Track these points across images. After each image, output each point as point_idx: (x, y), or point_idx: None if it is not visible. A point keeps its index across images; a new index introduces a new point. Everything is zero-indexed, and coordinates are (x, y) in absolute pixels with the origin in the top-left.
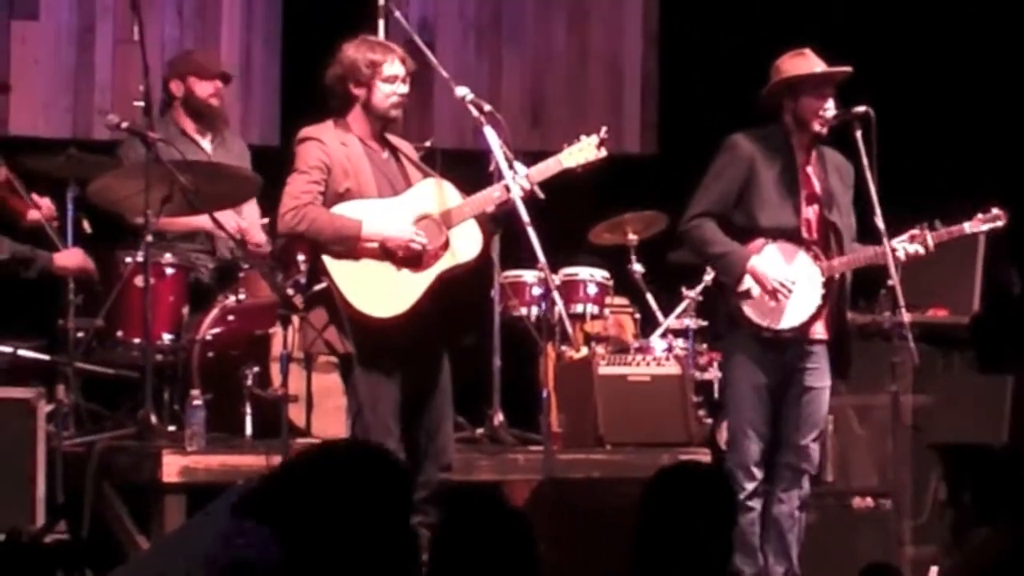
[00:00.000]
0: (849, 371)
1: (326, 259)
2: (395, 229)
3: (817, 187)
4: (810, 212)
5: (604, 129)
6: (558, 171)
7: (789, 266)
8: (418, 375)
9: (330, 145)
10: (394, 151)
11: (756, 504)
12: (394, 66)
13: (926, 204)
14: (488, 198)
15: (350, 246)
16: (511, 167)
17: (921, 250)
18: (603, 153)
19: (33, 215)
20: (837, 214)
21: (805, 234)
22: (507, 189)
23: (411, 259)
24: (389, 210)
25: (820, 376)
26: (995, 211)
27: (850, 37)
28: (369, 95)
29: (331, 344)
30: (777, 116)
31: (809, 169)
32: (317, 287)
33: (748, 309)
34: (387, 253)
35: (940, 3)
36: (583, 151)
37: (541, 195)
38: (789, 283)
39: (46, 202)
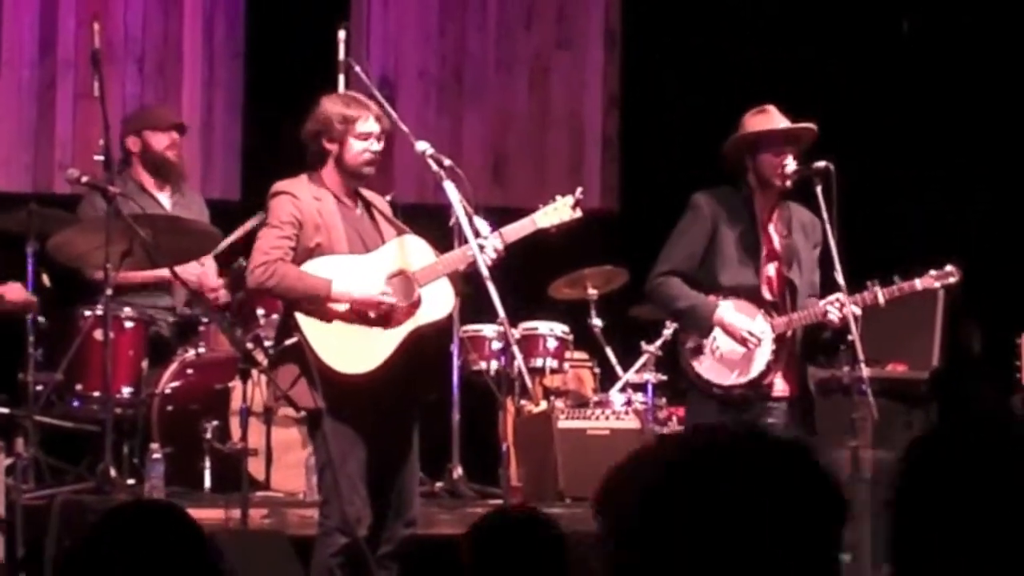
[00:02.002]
0: (814, 426)
1: (298, 315)
2: (363, 289)
3: (778, 245)
4: (771, 270)
5: (579, 190)
6: (532, 231)
7: (752, 320)
8: (386, 431)
9: (303, 200)
10: (368, 207)
11: None
12: (368, 123)
13: (890, 260)
14: (462, 257)
15: (319, 305)
16: (471, 222)
17: (859, 310)
18: (578, 214)
19: None
20: (797, 271)
21: (767, 293)
22: (481, 248)
23: (382, 317)
24: (361, 267)
25: (782, 432)
26: (949, 268)
27: (816, 94)
28: (342, 151)
29: (300, 399)
30: (741, 173)
31: (771, 227)
32: (288, 341)
33: (697, 366)
34: (357, 312)
35: (902, 63)
36: (558, 211)
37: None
38: (759, 331)
39: None
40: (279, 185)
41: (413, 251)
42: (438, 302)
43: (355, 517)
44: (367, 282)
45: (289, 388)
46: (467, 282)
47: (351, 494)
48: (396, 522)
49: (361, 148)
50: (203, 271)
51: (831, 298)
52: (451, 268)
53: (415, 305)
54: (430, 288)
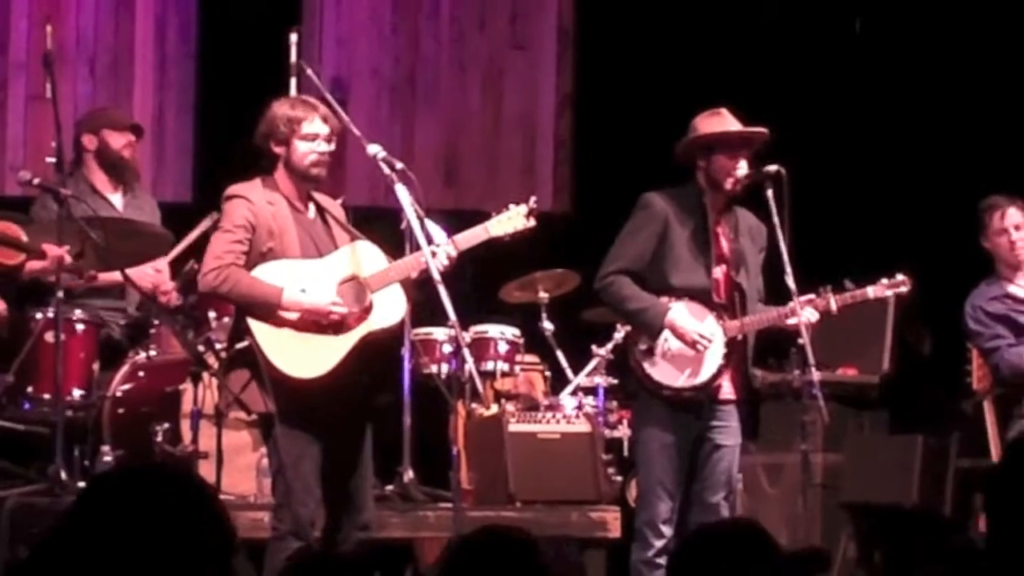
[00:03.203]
0: (758, 429)
1: (250, 320)
2: (313, 298)
3: (726, 248)
4: (719, 272)
5: (533, 199)
6: (485, 239)
7: (701, 323)
8: (339, 435)
9: (257, 204)
10: (321, 211)
11: (663, 561)
12: (314, 124)
13: (841, 265)
14: (414, 264)
15: (270, 312)
16: (422, 226)
17: (815, 317)
18: (531, 223)
19: None
20: (744, 275)
21: (715, 295)
22: (433, 255)
23: (333, 323)
24: (313, 272)
25: (730, 435)
26: (900, 277)
27: (768, 99)
28: (289, 153)
29: (252, 402)
30: (692, 174)
31: (720, 230)
32: (240, 345)
33: (648, 367)
34: (306, 320)
35: (854, 69)
36: (512, 220)
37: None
38: (708, 334)
39: None
40: (233, 188)
41: (366, 257)
42: (390, 308)
43: (308, 519)
44: (318, 288)
45: (241, 392)
46: (419, 288)
47: (305, 496)
48: (350, 525)
49: (307, 149)
50: (159, 274)
51: (803, 299)
52: (403, 274)
53: (367, 311)
54: (382, 294)
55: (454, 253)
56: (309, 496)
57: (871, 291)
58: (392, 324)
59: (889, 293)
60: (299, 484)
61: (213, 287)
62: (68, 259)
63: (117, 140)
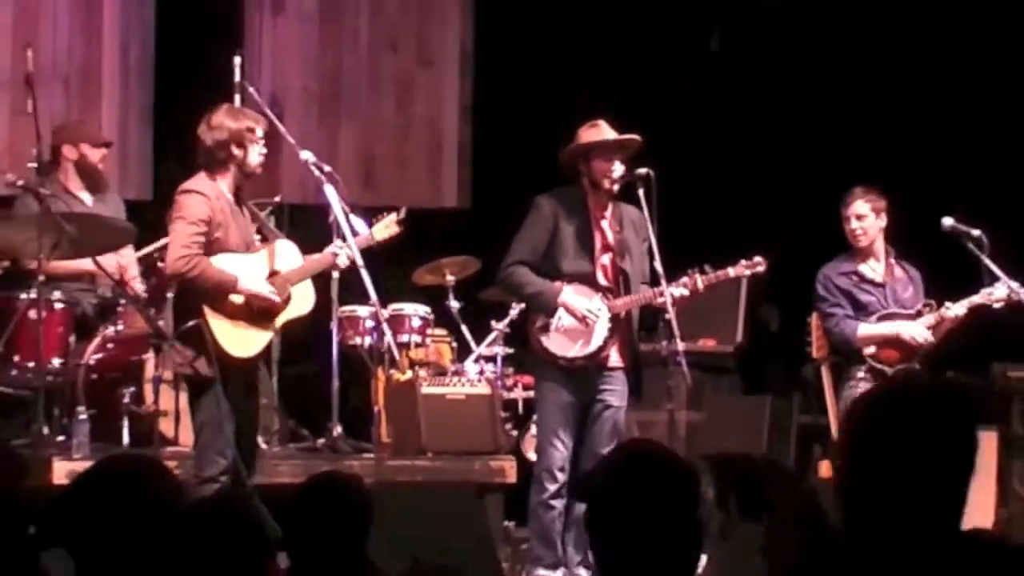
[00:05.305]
0: (641, 391)
1: (205, 306)
2: (260, 287)
3: (611, 238)
4: (605, 259)
5: (404, 209)
6: (372, 243)
7: (589, 301)
8: (246, 402)
9: (211, 198)
10: (247, 209)
11: (558, 504)
12: (260, 130)
13: (702, 251)
14: (324, 261)
15: (221, 296)
16: (348, 219)
17: (687, 292)
18: (400, 228)
19: None
20: (628, 261)
21: (602, 278)
22: (334, 255)
23: (265, 311)
24: (250, 265)
25: (618, 397)
26: (757, 259)
27: (640, 110)
28: (245, 155)
29: (197, 369)
30: (576, 177)
31: (604, 223)
32: (190, 323)
33: (545, 340)
34: (247, 305)
35: (713, 79)
36: (387, 228)
37: (360, 263)
38: (596, 310)
39: None
40: (190, 184)
41: (286, 254)
42: (304, 300)
43: (225, 469)
44: (257, 280)
45: (194, 360)
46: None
47: (224, 449)
48: (249, 475)
49: (260, 151)
50: (126, 263)
51: (682, 280)
52: (316, 270)
53: (287, 301)
54: (298, 287)
55: (354, 254)
56: (228, 449)
57: (732, 271)
58: (305, 313)
59: (748, 272)
60: (221, 440)
61: (182, 272)
62: None
63: (94, 154)
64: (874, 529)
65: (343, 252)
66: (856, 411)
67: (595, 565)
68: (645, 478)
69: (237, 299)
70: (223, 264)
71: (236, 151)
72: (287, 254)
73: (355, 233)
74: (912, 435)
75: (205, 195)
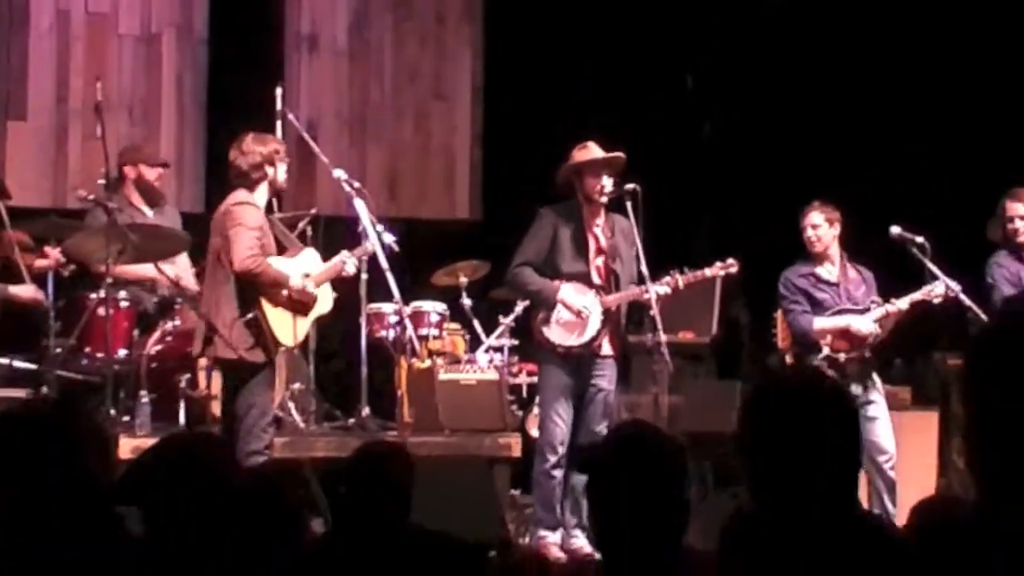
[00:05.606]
0: (629, 377)
1: (263, 300)
2: (307, 285)
3: (604, 243)
4: (599, 261)
5: (393, 240)
6: (370, 253)
7: (584, 297)
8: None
9: (261, 210)
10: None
11: (558, 473)
12: (283, 149)
13: (682, 254)
14: (339, 268)
15: (276, 291)
16: (375, 228)
17: (669, 290)
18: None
19: (40, 263)
20: (619, 263)
21: (596, 278)
22: (342, 263)
23: (302, 307)
24: (294, 266)
25: (609, 381)
26: (730, 260)
27: (627, 132)
28: (276, 173)
29: (243, 357)
30: (572, 192)
31: (597, 230)
32: (248, 315)
33: (547, 331)
34: (291, 299)
35: (690, 108)
36: (375, 246)
37: (354, 269)
38: (590, 305)
39: (55, 253)
40: (241, 197)
41: (312, 260)
42: (326, 300)
43: (269, 442)
44: (301, 278)
45: (249, 348)
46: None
47: (269, 428)
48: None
49: (285, 169)
50: (181, 271)
51: (665, 279)
52: (332, 276)
53: (314, 300)
54: (321, 288)
55: (359, 263)
56: (271, 428)
57: (708, 271)
58: (326, 311)
59: (723, 273)
60: (268, 421)
61: (251, 269)
62: (62, 259)
63: (151, 173)
64: (776, 506)
65: (350, 261)
66: (748, 403)
67: (593, 529)
68: (640, 454)
69: (283, 295)
70: (274, 264)
71: (269, 169)
72: (312, 260)
73: (381, 240)
74: (792, 420)
75: (256, 206)
